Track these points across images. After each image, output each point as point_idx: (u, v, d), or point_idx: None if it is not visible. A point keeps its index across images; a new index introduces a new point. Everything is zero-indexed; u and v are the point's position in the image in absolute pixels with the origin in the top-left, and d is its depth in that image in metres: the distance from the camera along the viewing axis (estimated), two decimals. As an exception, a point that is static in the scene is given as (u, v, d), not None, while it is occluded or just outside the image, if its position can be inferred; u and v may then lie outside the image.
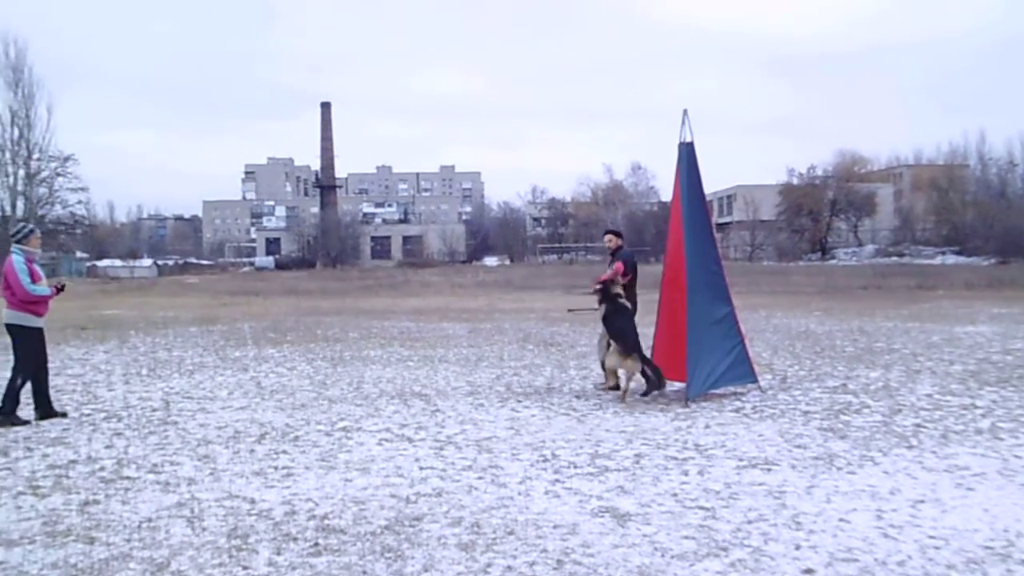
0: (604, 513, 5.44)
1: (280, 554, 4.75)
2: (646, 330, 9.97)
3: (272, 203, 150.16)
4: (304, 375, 11.85)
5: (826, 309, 23.90)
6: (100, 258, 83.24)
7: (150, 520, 5.39)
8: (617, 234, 10.93)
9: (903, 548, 4.77)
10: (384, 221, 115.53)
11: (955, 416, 8.49)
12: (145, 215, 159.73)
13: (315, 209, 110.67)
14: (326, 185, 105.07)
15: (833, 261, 64.44)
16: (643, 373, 9.69)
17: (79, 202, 66.24)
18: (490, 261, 76.92)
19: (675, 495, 5.84)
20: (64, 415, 8.88)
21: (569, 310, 16.15)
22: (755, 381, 9.97)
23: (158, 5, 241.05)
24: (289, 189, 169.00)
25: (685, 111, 9.63)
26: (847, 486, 6.05)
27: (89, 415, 9.03)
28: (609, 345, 9.85)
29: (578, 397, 9.81)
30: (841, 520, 5.27)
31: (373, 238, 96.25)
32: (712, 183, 70.42)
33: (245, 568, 4.54)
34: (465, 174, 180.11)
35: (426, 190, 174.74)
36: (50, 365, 12.90)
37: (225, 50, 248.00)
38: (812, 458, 6.86)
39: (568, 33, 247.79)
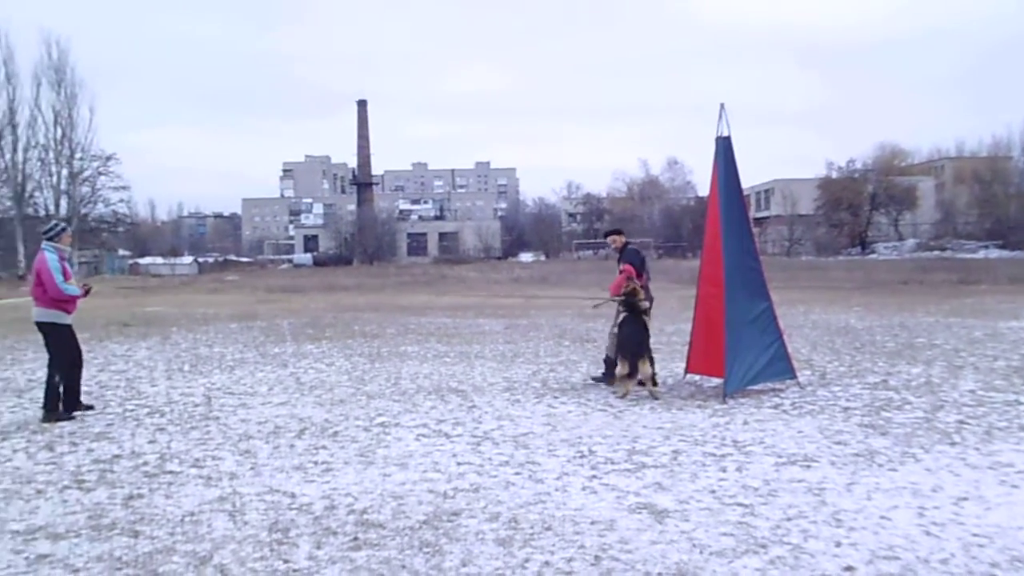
0: (642, 509, 5.44)
1: (320, 548, 4.81)
2: (683, 326, 9.93)
3: (310, 201, 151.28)
4: (342, 371, 11.95)
5: (866, 304, 23.60)
6: (142, 256, 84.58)
7: (193, 514, 5.48)
8: (618, 232, 10.91)
9: (946, 546, 4.71)
10: (420, 218, 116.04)
11: (998, 412, 8.36)
12: (185, 213, 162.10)
13: (352, 206, 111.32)
14: (363, 182, 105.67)
15: (873, 256, 63.52)
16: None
17: (121, 200, 67.28)
18: (525, 257, 76.87)
19: (713, 492, 5.82)
20: (72, 418, 8.72)
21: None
22: (794, 377, 9.88)
23: (198, 6, 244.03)
24: (326, 187, 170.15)
25: (722, 105, 9.57)
26: (888, 483, 5.99)
27: (133, 410, 9.18)
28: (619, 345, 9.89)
29: (615, 392, 9.79)
30: (882, 517, 5.22)
31: (409, 235, 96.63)
32: (749, 177, 69.66)
33: (286, 562, 4.61)
34: (500, 170, 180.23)
35: (461, 187, 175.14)
36: (94, 361, 13.22)
37: (263, 50, 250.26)
38: (852, 455, 6.80)
39: (603, 28, 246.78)
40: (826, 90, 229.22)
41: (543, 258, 77.42)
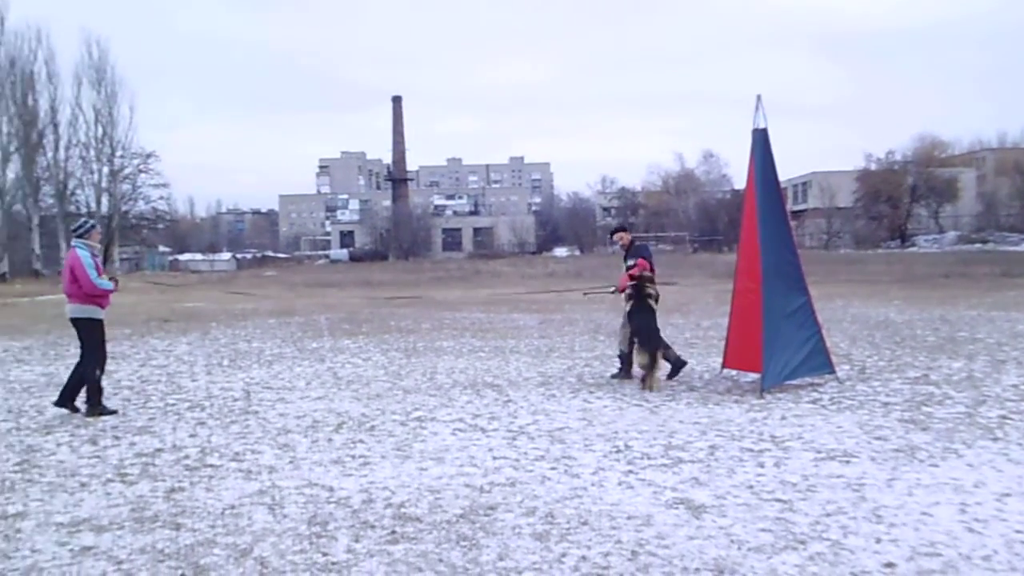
0: (679, 505, 5.42)
1: (358, 541, 4.85)
2: (719, 320, 9.87)
3: (346, 197, 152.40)
4: (379, 365, 12.03)
5: (906, 298, 23.29)
6: (182, 252, 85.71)
7: (233, 507, 5.55)
8: (624, 229, 11.02)
9: (988, 543, 4.64)
10: (455, 213, 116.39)
11: (1044, 408, 8.21)
12: (224, 210, 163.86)
13: (387, 202, 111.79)
14: (398, 178, 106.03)
15: (913, 248, 62.57)
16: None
17: (161, 198, 68.12)
18: (560, 252, 76.69)
19: (751, 487, 5.78)
20: (114, 412, 8.82)
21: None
22: (832, 372, 9.78)
23: (235, 4, 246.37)
24: (362, 183, 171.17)
25: (759, 97, 9.47)
26: (929, 479, 5.91)
27: (174, 405, 9.31)
28: (632, 339, 10.06)
29: (650, 387, 9.74)
30: (923, 513, 5.16)
31: (444, 230, 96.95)
32: (786, 170, 69.22)
33: (325, 555, 4.65)
34: (534, 165, 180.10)
35: (496, 182, 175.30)
36: (136, 356, 13.44)
37: (299, 47, 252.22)
38: (893, 450, 6.72)
39: (638, 21, 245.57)
40: (865, 81, 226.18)
41: (577, 252, 77.26)
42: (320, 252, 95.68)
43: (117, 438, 7.68)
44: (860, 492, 5.63)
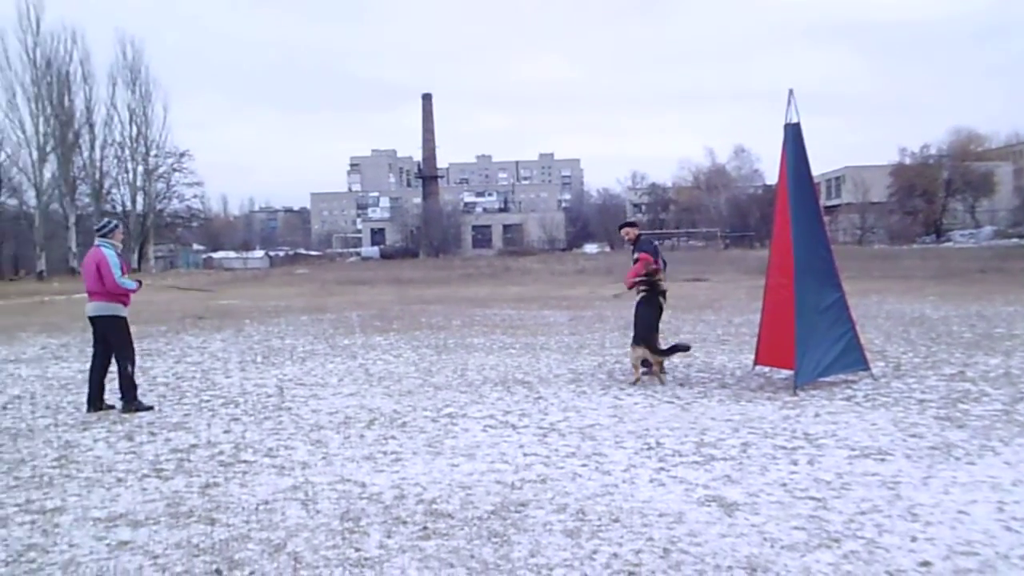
0: (711, 502, 5.39)
1: (390, 537, 4.87)
2: (752, 317, 9.81)
3: (376, 194, 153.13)
4: (410, 362, 12.08)
5: (942, 293, 22.96)
6: (215, 250, 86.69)
7: (267, 502, 5.60)
8: (632, 225, 11.14)
9: (1027, 542, 4.57)
10: (484, 210, 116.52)
11: (1084, 405, 8.06)
12: (257, 208, 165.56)
13: (418, 199, 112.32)
14: (428, 176, 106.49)
15: (949, 244, 61.70)
16: (643, 363, 9.94)
17: (195, 196, 69.16)
18: (590, 248, 76.57)
19: (784, 485, 5.74)
20: (150, 408, 8.97)
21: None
22: (867, 368, 9.68)
23: (268, 5, 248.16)
24: (392, 180, 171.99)
25: (791, 91, 9.39)
26: (966, 477, 5.83)
27: (208, 401, 9.41)
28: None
29: (681, 385, 9.71)
30: (960, 512, 5.09)
31: (474, 227, 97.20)
32: (819, 165, 68.54)
33: (357, 550, 4.68)
34: (564, 161, 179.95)
35: (525, 178, 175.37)
36: (171, 352, 13.60)
37: (330, 46, 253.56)
38: (928, 448, 6.63)
39: (668, 16, 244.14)
40: (899, 74, 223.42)
41: (608, 249, 77.06)
42: (351, 249, 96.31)
43: (153, 434, 7.78)
44: (895, 490, 5.57)
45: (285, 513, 5.36)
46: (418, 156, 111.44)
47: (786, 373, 9.48)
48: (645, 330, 9.93)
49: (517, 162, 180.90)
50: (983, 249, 48.16)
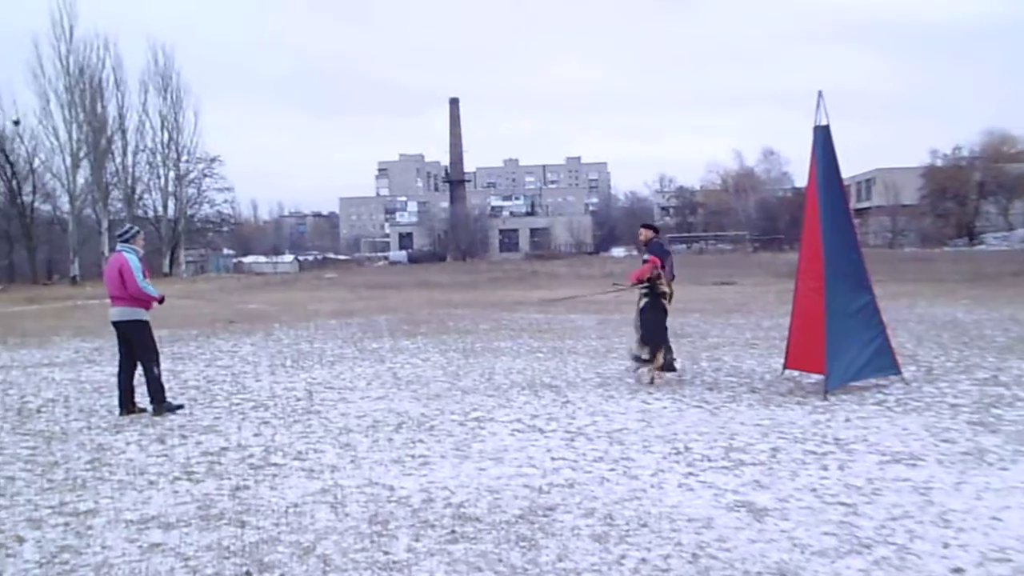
0: (740, 507, 5.36)
1: (419, 540, 4.89)
2: (781, 321, 9.74)
3: (404, 199, 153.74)
4: (438, 366, 12.11)
5: (974, 297, 22.67)
6: (245, 255, 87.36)
7: (296, 505, 5.64)
8: (649, 227, 11.30)
9: (1063, 550, 4.50)
10: (512, 214, 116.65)
11: (1121, 410, 7.93)
12: (286, 212, 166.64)
13: (445, 204, 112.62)
14: (455, 180, 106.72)
15: (982, 246, 60.88)
16: (646, 360, 10.15)
17: (225, 201, 69.76)
18: (617, 252, 76.37)
19: (814, 490, 5.69)
20: (180, 407, 9.14)
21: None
22: (898, 373, 9.58)
23: (295, 10, 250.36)
24: (420, 185, 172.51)
25: (820, 93, 9.32)
26: (999, 483, 5.76)
27: (238, 404, 9.49)
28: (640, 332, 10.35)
29: (710, 389, 9.67)
30: (993, 518, 5.03)
31: (501, 231, 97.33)
32: (849, 167, 67.65)
33: (386, 553, 4.70)
34: (591, 165, 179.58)
35: (552, 182, 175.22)
36: (202, 356, 13.73)
37: (358, 51, 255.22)
38: (961, 453, 6.56)
39: (695, 18, 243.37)
40: (930, 75, 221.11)
41: (635, 253, 76.75)
42: (380, 254, 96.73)
43: (184, 437, 7.86)
44: (927, 496, 5.51)
45: (314, 516, 5.39)
46: (445, 160, 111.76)
47: (816, 377, 9.40)
48: (653, 333, 10.14)
49: (544, 166, 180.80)
50: (1016, 252, 47.51)
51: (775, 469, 6.25)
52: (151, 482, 6.32)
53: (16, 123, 53.19)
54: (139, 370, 9.09)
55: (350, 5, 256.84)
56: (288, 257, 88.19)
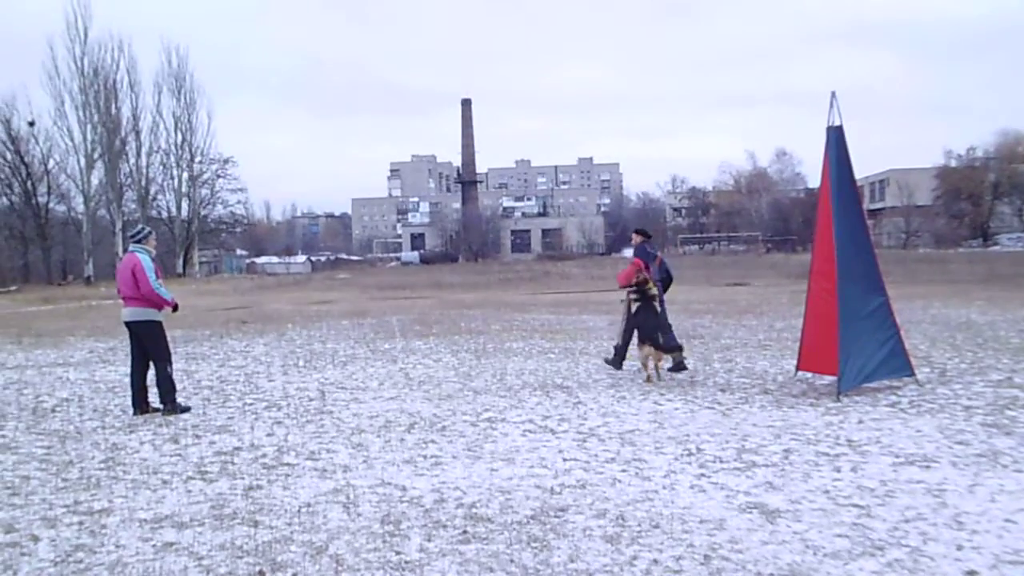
0: (752, 509, 5.35)
1: (431, 540, 4.90)
2: (794, 322, 9.72)
3: (416, 199, 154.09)
4: (449, 367, 12.13)
5: (989, 298, 22.54)
6: (258, 255, 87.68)
7: (309, 505, 5.66)
8: (640, 232, 11.89)
9: (1078, 553, 4.48)
10: (523, 215, 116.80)
11: None
12: (299, 213, 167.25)
13: (457, 204, 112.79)
14: (467, 181, 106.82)
15: (996, 247, 60.54)
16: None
17: (238, 202, 70.03)
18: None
19: (827, 492, 5.68)
20: (188, 409, 9.16)
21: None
22: (912, 374, 9.54)
23: (305, 13, 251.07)
24: (432, 185, 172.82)
25: (833, 93, 9.29)
26: (1014, 485, 5.72)
27: (252, 404, 9.53)
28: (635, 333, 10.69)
29: (723, 391, 9.65)
30: (1007, 520, 5.00)
31: (513, 232, 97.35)
32: (863, 168, 67.53)
33: (398, 553, 4.71)
34: (603, 165, 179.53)
35: (564, 183, 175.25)
36: (215, 356, 13.79)
37: (370, 53, 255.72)
38: (975, 455, 6.52)
39: (708, 17, 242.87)
40: (943, 75, 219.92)
41: (648, 254, 76.52)
42: (392, 254, 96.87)
43: (197, 436, 7.89)
44: (941, 498, 5.48)
45: (327, 516, 5.41)
46: (457, 161, 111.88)
47: (829, 379, 9.37)
48: (651, 330, 10.43)
49: (556, 166, 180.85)
50: (1032, 253, 47.16)
51: (788, 471, 6.23)
52: (165, 481, 6.35)
53: (31, 124, 53.64)
54: (151, 370, 9.14)
55: (362, 6, 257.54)
56: (301, 258, 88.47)
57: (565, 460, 6.68)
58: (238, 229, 77.28)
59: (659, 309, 10.75)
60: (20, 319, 24.04)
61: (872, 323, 9.22)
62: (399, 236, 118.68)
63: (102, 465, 6.90)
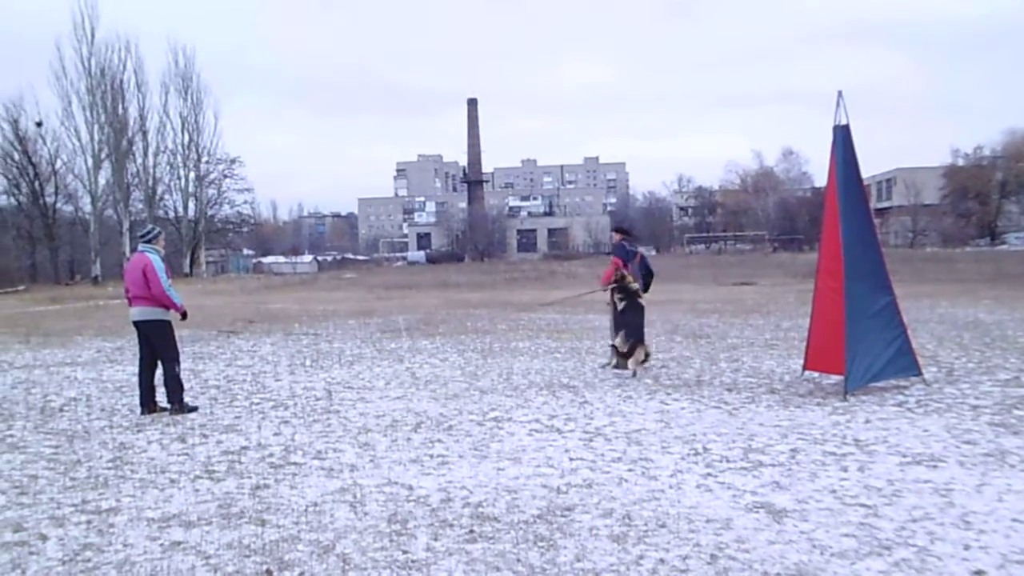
0: (759, 508, 5.35)
1: (437, 539, 4.91)
2: (800, 321, 9.70)
3: (422, 199, 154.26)
4: (456, 366, 12.14)
5: (996, 297, 22.48)
6: (265, 255, 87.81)
7: (316, 504, 5.67)
8: (619, 230, 12.30)
9: (1086, 552, 4.46)
10: (529, 214, 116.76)
11: None
12: (305, 213, 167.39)
13: (463, 204, 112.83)
14: (473, 180, 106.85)
15: (1004, 246, 60.39)
16: (620, 353, 10.97)
17: (245, 202, 70.24)
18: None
19: (834, 491, 5.67)
20: (195, 409, 9.17)
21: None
22: (919, 374, 9.52)
23: (310, 13, 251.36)
24: (438, 185, 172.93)
25: (840, 92, 9.28)
26: (1021, 484, 5.71)
27: (259, 404, 9.55)
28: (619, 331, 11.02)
29: (729, 390, 9.64)
30: (1015, 520, 4.99)
31: (519, 231, 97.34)
32: (869, 167, 67.43)
33: (405, 552, 4.72)
34: (609, 165, 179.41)
35: (570, 182, 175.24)
36: (222, 356, 13.82)
37: (375, 53, 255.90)
38: (982, 455, 6.51)
39: (708, 18, 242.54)
40: (950, 74, 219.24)
41: (654, 253, 76.59)
42: (398, 254, 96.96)
43: (205, 436, 7.92)
44: (948, 497, 5.47)
45: (334, 515, 5.42)
46: (463, 161, 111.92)
47: (836, 378, 9.36)
48: (636, 330, 10.86)
49: (562, 166, 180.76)
50: (1040, 252, 47.00)
51: (794, 470, 6.23)
52: (172, 480, 6.37)
53: (39, 125, 53.75)
54: (159, 369, 9.16)
55: (367, 6, 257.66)
56: (307, 257, 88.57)
57: (571, 459, 6.68)
58: (245, 229, 77.46)
59: (643, 308, 11.14)
60: (28, 319, 24.11)
61: (879, 322, 9.20)
62: (405, 236, 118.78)
63: (110, 464, 6.92)
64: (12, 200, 55.60)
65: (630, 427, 7.81)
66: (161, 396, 9.20)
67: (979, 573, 4.25)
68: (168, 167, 61.03)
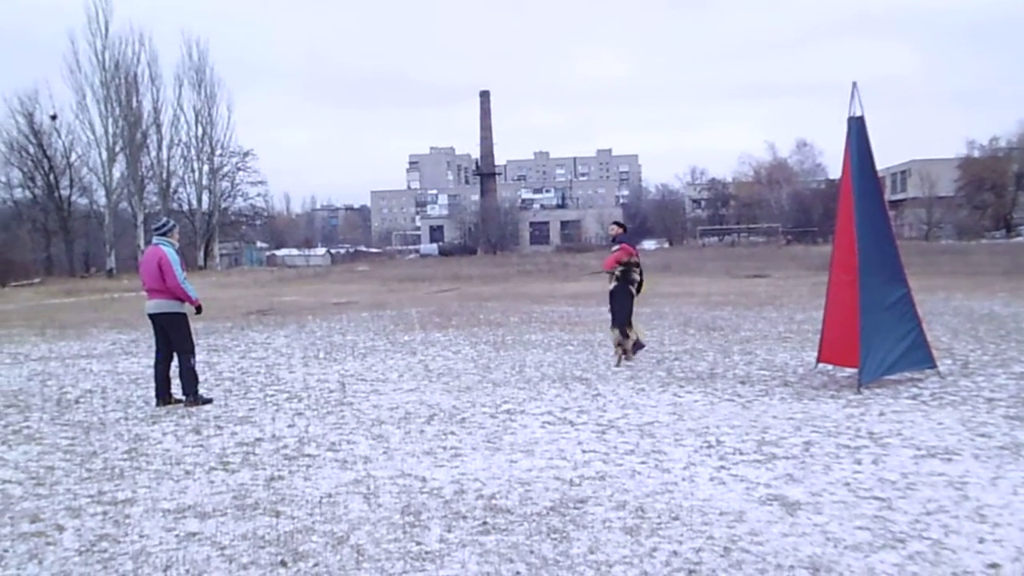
0: (772, 501, 5.34)
1: (451, 531, 4.93)
2: (815, 314, 9.67)
3: (435, 192, 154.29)
4: (469, 358, 12.16)
5: (1012, 290, 22.31)
6: (278, 247, 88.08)
7: (330, 495, 5.70)
8: (619, 224, 12.45)
9: (1102, 546, 4.44)
10: (542, 207, 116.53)
11: None
12: (318, 206, 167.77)
13: (476, 196, 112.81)
14: (486, 173, 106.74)
15: (1019, 238, 59.95)
16: (619, 343, 11.24)
17: (258, 195, 70.41)
18: (648, 244, 75.96)
19: (847, 484, 5.66)
20: (210, 401, 9.22)
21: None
22: (933, 366, 9.47)
23: (324, 5, 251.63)
24: (451, 177, 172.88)
25: (854, 83, 9.22)
26: (1037, 478, 5.68)
27: (273, 396, 9.59)
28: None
29: (742, 383, 9.62)
30: (1030, 514, 4.96)
31: (532, 224, 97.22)
32: (884, 158, 66.85)
33: (418, 544, 4.74)
34: (622, 157, 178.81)
35: (583, 174, 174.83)
36: (236, 348, 13.88)
37: (388, 46, 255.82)
38: (997, 448, 6.48)
39: (721, 9, 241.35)
40: (965, 65, 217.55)
41: (667, 245, 76.46)
42: (411, 247, 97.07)
43: (219, 428, 7.96)
44: (962, 490, 5.45)
45: (348, 506, 5.45)
46: (476, 153, 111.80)
47: (850, 371, 9.33)
48: (623, 316, 11.17)
49: (575, 158, 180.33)
50: (1056, 244, 46.64)
51: (808, 463, 6.21)
52: (187, 472, 6.41)
53: (53, 118, 53.98)
54: (175, 361, 9.21)
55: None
56: (320, 250, 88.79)
57: (584, 452, 6.69)
58: (258, 221, 77.65)
59: (633, 296, 11.42)
60: (44, 311, 24.29)
61: (894, 315, 9.16)
62: (418, 228, 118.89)
63: (125, 456, 6.97)
64: (27, 193, 55.91)
65: (643, 419, 7.81)
66: (176, 388, 9.25)
67: (994, 566, 4.24)
68: (182, 160, 61.31)
